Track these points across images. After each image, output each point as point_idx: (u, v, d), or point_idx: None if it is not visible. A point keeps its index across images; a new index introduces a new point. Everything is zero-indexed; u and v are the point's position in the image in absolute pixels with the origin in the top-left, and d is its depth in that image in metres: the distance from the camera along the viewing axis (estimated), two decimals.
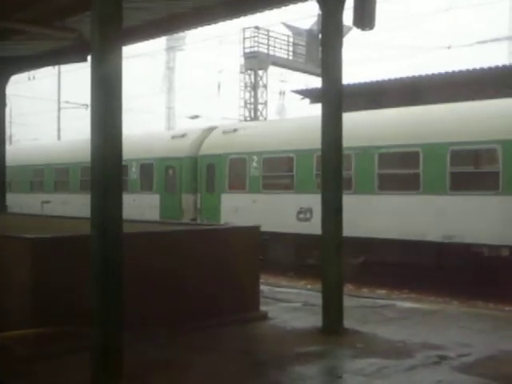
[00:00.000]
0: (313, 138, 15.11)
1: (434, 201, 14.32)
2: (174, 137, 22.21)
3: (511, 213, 13.32)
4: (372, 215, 15.32)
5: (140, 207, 20.36)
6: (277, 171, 18.09)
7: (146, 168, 21.86)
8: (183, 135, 21.59)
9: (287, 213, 16.95)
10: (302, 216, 16.52)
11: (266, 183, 18.07)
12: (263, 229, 10.24)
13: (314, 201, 14.61)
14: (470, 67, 20.07)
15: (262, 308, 9.69)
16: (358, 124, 15.65)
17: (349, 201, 11.47)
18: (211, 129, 21.31)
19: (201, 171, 20.09)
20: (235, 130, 19.92)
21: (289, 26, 35.86)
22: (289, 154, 17.35)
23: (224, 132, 20.25)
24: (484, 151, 14.43)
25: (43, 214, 18.28)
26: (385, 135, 15.69)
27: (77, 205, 20.99)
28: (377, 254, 16.02)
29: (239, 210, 18.36)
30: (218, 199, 19.42)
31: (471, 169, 14.75)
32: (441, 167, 14.32)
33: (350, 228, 9.80)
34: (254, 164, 18.18)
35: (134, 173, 22.19)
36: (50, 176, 26.38)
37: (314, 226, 12.54)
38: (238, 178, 18.79)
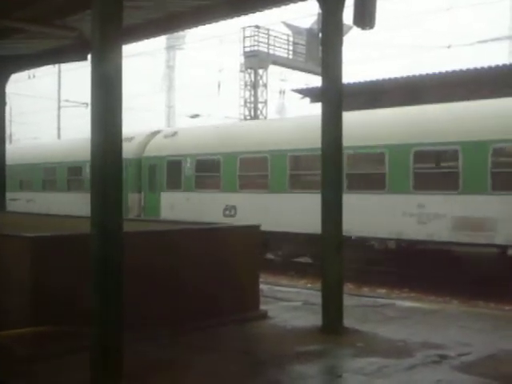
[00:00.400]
0: (237, 143, 18.59)
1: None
2: (123, 140, 22.95)
3: (395, 209, 15.15)
4: (284, 211, 17.15)
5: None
6: (207, 172, 19.74)
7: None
8: (131, 138, 22.82)
9: (215, 209, 18.62)
10: (227, 212, 18.52)
11: (198, 183, 19.93)
12: None
13: (237, 199, 18.29)
14: (471, 67, 20.08)
15: (262, 307, 9.68)
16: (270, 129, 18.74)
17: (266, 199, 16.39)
18: (155, 133, 23.07)
19: (144, 172, 21.81)
20: (174, 134, 21.83)
21: (289, 25, 35.87)
22: (217, 157, 19.21)
23: (165, 136, 22.15)
24: (375, 156, 15.96)
25: (43, 213, 18.58)
26: (294, 140, 17.59)
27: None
28: (289, 246, 17.88)
29: (175, 207, 20.15)
30: (158, 197, 21.21)
31: (365, 171, 16.47)
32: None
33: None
34: (188, 165, 20.08)
35: (87, 173, 23.63)
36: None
37: (238, 221, 16.57)
38: (175, 178, 20.54)
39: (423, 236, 14.92)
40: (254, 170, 18.49)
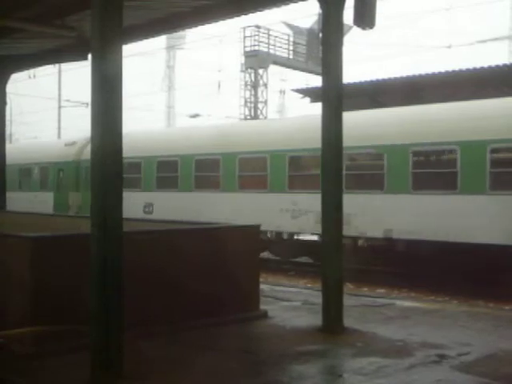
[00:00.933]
0: (155, 147, 21.47)
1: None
2: (66, 144, 26.50)
3: (274, 207, 17.71)
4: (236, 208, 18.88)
5: (41, 202, 25.03)
6: (131, 173, 21.50)
7: (45, 170, 26.37)
8: (73, 143, 25.80)
9: (137, 206, 20.83)
10: (146, 209, 21.30)
11: (125, 183, 20.84)
12: None
13: (154, 198, 21.13)
14: (471, 66, 20.05)
15: (262, 307, 9.69)
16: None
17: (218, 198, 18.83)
18: None
19: (81, 173, 24.24)
20: None
21: (289, 25, 35.88)
22: (140, 160, 21.75)
23: None
24: (260, 160, 18.45)
25: (43, 213, 19.24)
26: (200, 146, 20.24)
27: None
28: None
29: None
30: None
31: (254, 173, 18.87)
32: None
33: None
34: None
35: (35, 174, 26.92)
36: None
37: (154, 217, 19.50)
38: (132, 179, 22.42)
39: (296, 229, 17.73)
40: (168, 171, 20.94)
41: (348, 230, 13.76)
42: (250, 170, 18.84)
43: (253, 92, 34.35)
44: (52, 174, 25.95)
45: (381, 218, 15.53)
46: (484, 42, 32.84)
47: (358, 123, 15.90)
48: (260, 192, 18.22)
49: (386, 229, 15.48)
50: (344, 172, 14.49)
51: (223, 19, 11.49)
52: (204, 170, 19.87)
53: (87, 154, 22.85)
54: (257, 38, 33.88)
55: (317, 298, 9.64)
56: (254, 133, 19.52)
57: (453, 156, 14.65)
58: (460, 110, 15.31)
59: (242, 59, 34.27)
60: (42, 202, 25.19)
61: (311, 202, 16.00)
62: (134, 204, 19.90)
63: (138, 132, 24.18)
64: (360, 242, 17.01)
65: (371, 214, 15.66)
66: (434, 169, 15.24)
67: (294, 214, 17.25)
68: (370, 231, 15.87)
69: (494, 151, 14.06)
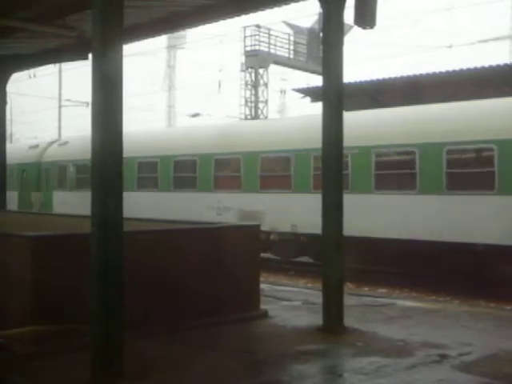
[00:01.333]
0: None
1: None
2: (30, 147, 28.63)
3: (202, 204, 19.27)
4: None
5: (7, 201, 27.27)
6: (83, 174, 23.31)
7: (10, 171, 27.05)
8: (36, 146, 28.05)
9: (88, 205, 21.33)
10: None
11: (77, 183, 24.38)
12: None
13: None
14: (471, 66, 20.01)
15: (263, 306, 9.69)
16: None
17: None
18: (52, 142, 27.92)
19: (42, 174, 26.48)
20: (65, 144, 26.44)
21: (290, 25, 35.86)
22: (88, 162, 21.59)
23: (59, 144, 26.90)
24: (190, 162, 20.36)
25: (44, 212, 20.06)
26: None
27: None
28: None
29: (63, 203, 24.38)
30: (51, 196, 25.80)
31: (186, 174, 20.61)
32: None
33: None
34: (71, 169, 24.79)
35: None
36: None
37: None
38: (63, 180, 25.23)
39: None
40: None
41: (263, 226, 14.85)
42: (184, 171, 20.74)
43: (253, 92, 34.34)
44: (17, 174, 27.87)
45: (289, 215, 17.58)
46: (485, 41, 32.79)
47: (277, 130, 18.85)
48: (191, 191, 20.16)
49: (293, 224, 17.54)
50: (260, 174, 18.09)
51: (224, 19, 11.48)
52: (144, 171, 21.84)
53: (47, 156, 26.51)
54: (257, 37, 33.87)
55: (317, 297, 9.64)
56: (186, 138, 21.43)
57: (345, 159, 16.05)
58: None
59: (243, 59, 34.26)
60: (8, 200, 27.15)
61: (233, 200, 18.59)
62: (84, 202, 22.65)
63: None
64: (272, 237, 18.39)
65: (281, 212, 17.72)
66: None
67: (218, 211, 18.96)
68: (280, 227, 17.84)
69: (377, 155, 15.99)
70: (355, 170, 16.05)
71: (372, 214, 15.66)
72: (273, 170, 18.58)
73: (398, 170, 15.80)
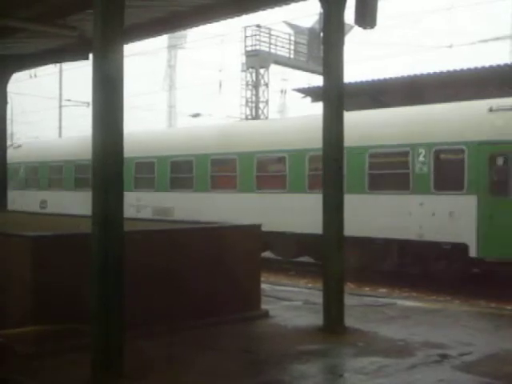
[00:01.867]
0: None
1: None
2: (13, 147, 29.44)
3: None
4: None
5: None
6: (32, 175, 26.48)
7: None
8: (18, 146, 29.06)
9: (35, 203, 25.39)
10: (42, 205, 25.45)
11: (27, 183, 27.03)
12: None
13: (47, 196, 25.56)
14: (472, 66, 19.99)
15: (263, 306, 9.69)
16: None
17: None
18: (9, 145, 30.39)
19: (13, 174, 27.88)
20: (18, 147, 28.43)
21: (290, 25, 35.86)
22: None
23: (14, 148, 28.18)
24: (149, 164, 21.55)
25: (44, 212, 20.54)
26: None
27: None
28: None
29: (15, 201, 24.69)
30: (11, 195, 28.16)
31: (143, 175, 21.87)
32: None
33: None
34: (22, 170, 27.17)
35: None
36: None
37: (49, 211, 22.62)
38: (17, 181, 26.86)
39: None
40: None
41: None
42: (144, 173, 22.20)
43: (254, 92, 34.33)
44: None
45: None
46: (485, 41, 32.72)
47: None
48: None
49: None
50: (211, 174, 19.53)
51: (224, 19, 11.48)
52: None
53: (15, 158, 27.77)
54: (258, 37, 33.87)
55: (318, 297, 9.63)
56: (145, 142, 22.44)
57: (282, 162, 18.18)
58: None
59: (243, 59, 34.26)
60: None
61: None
62: (32, 200, 25.46)
63: (47, 141, 29.10)
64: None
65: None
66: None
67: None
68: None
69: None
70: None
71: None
72: (224, 171, 19.70)
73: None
